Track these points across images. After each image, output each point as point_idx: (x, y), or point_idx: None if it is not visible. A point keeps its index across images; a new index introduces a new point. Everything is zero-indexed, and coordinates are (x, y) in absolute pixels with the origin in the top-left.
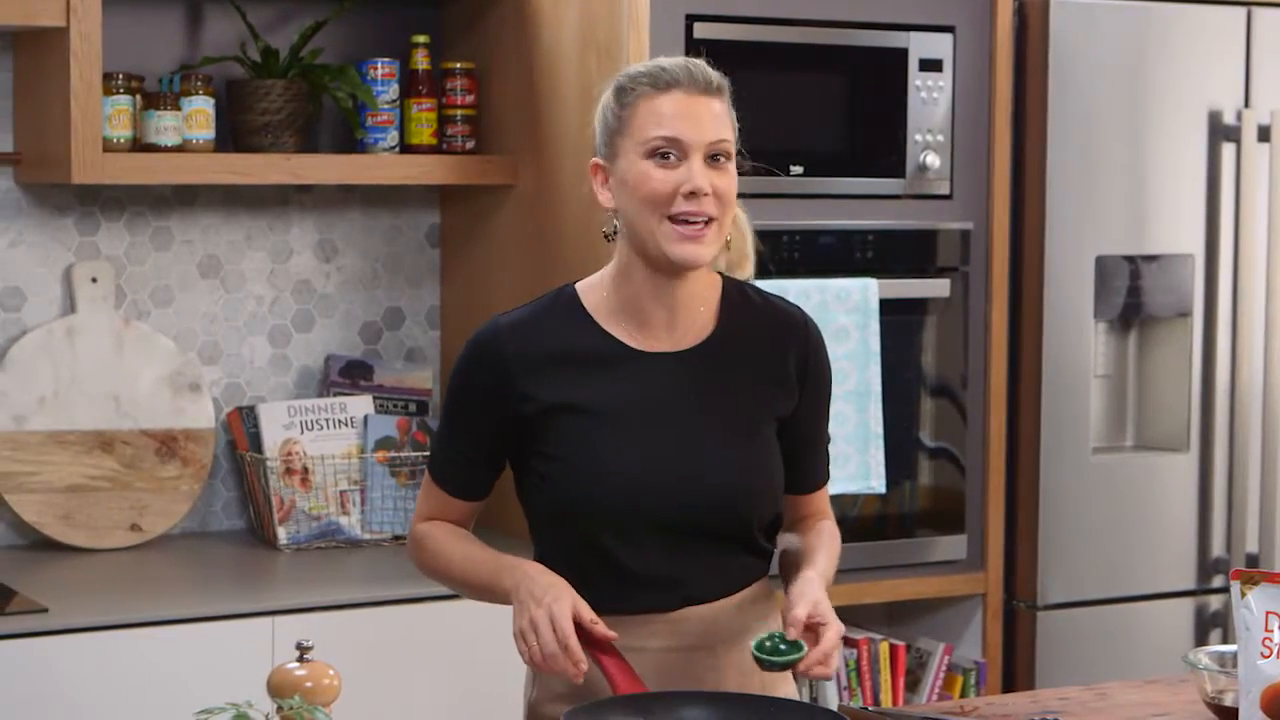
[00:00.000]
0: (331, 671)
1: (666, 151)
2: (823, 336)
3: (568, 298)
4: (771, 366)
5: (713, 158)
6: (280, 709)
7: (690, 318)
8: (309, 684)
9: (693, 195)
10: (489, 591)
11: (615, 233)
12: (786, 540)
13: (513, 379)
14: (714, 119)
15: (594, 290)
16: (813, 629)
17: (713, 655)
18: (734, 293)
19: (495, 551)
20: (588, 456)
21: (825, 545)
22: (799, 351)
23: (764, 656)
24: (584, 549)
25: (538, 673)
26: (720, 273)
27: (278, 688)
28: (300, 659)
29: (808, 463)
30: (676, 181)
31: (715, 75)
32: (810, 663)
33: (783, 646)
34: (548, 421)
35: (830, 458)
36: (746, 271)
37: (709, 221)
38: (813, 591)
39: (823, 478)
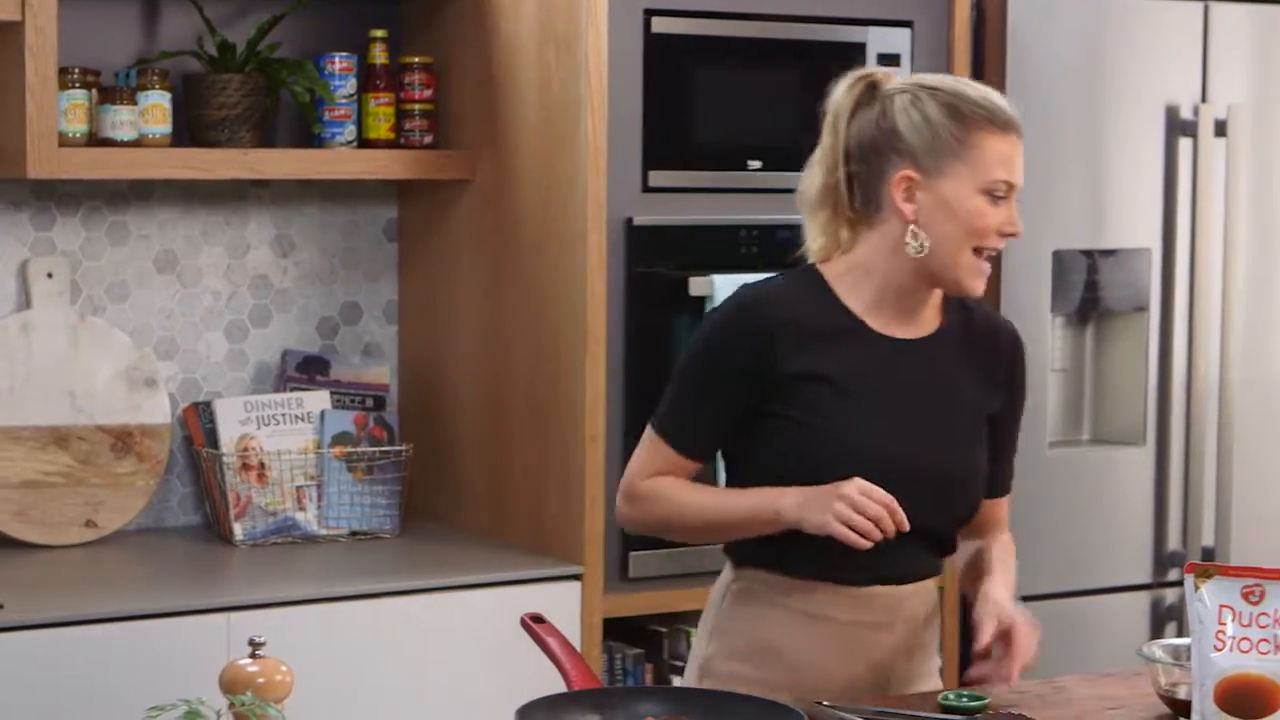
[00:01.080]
0: (284, 668)
1: (1001, 193)
2: (1026, 350)
3: (814, 277)
4: (988, 367)
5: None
6: (232, 705)
7: (927, 312)
8: (261, 680)
9: (1011, 236)
10: (749, 520)
11: (922, 249)
12: (967, 548)
13: (774, 345)
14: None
15: (842, 276)
16: (1004, 636)
17: (892, 635)
18: (952, 297)
19: (737, 492)
20: (827, 424)
21: (1006, 555)
22: (1009, 358)
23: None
24: None
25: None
26: None
27: (230, 684)
28: (253, 655)
29: (998, 468)
30: (1001, 221)
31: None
32: (1008, 671)
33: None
34: (794, 386)
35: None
36: None
37: (995, 256)
38: (997, 594)
39: (1008, 486)
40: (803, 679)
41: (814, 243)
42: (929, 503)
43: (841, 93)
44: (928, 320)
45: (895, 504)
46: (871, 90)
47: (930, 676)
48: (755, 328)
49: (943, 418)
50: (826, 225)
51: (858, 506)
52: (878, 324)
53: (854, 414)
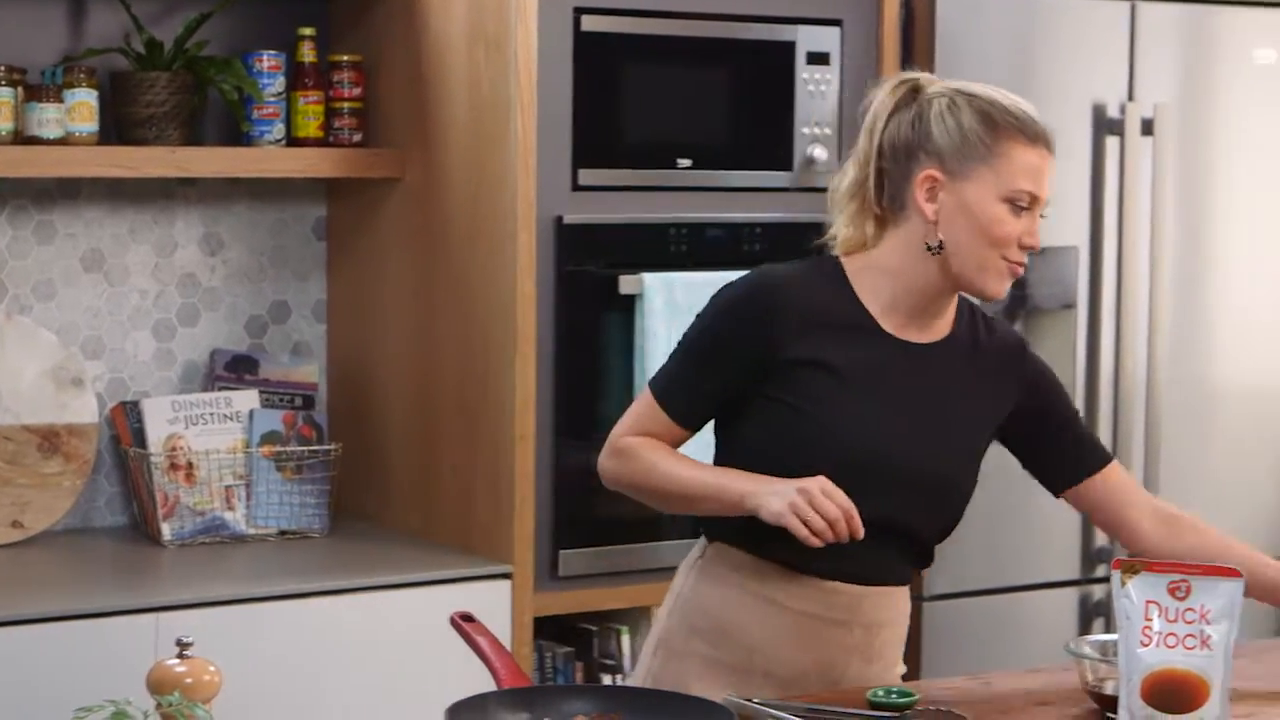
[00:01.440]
0: (212, 668)
1: (1024, 203)
2: (1037, 357)
3: (832, 267)
4: (989, 383)
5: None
6: (160, 706)
7: (939, 320)
8: (189, 680)
9: (1031, 248)
10: (713, 497)
11: (941, 248)
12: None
13: (778, 328)
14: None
15: (861, 271)
16: None
17: (848, 634)
18: (964, 305)
19: (715, 470)
20: (821, 412)
21: (1250, 552)
22: (1021, 365)
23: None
24: None
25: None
26: None
27: (157, 684)
28: (180, 655)
29: (1075, 443)
30: (1021, 231)
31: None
32: None
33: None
34: (795, 372)
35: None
36: None
37: (1022, 266)
38: None
39: (1102, 456)
40: (754, 662)
41: (840, 232)
42: (912, 505)
43: (884, 94)
44: (939, 327)
45: (854, 510)
46: (913, 93)
47: (892, 678)
48: (767, 310)
49: (938, 424)
50: (854, 218)
51: (816, 504)
52: (889, 324)
53: (849, 407)
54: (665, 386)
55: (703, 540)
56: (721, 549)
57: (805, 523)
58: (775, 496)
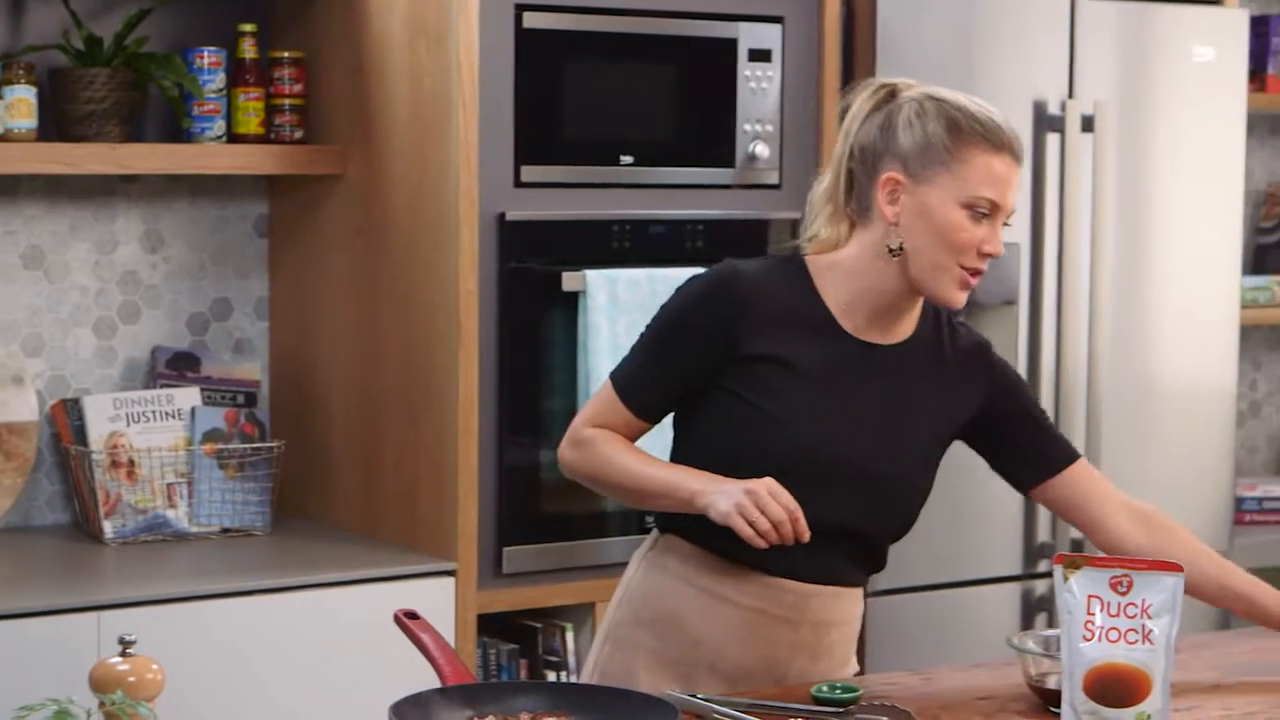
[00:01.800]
0: (155, 666)
1: (984, 211)
2: (1000, 358)
3: (797, 267)
4: (951, 383)
5: (1005, 222)
6: (102, 704)
7: (900, 323)
8: (131, 679)
9: (989, 256)
10: (665, 494)
11: (900, 250)
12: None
13: (739, 322)
14: (1016, 190)
15: (825, 270)
16: None
17: (794, 631)
18: (929, 308)
19: (670, 466)
20: (776, 409)
21: (1222, 562)
22: (985, 366)
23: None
24: None
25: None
26: None
27: (100, 683)
28: (123, 653)
29: (1041, 440)
30: (980, 239)
31: (1020, 143)
32: None
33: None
34: (752, 367)
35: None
36: None
37: (979, 274)
38: None
39: (1068, 454)
40: (700, 656)
41: (820, 234)
42: (863, 506)
43: (861, 98)
44: (901, 330)
45: (799, 512)
46: (889, 98)
47: (843, 678)
48: (730, 303)
49: (894, 426)
50: (830, 220)
51: (762, 505)
52: (849, 324)
53: (804, 405)
54: (626, 379)
55: (655, 531)
56: (672, 541)
57: (751, 524)
58: (723, 496)
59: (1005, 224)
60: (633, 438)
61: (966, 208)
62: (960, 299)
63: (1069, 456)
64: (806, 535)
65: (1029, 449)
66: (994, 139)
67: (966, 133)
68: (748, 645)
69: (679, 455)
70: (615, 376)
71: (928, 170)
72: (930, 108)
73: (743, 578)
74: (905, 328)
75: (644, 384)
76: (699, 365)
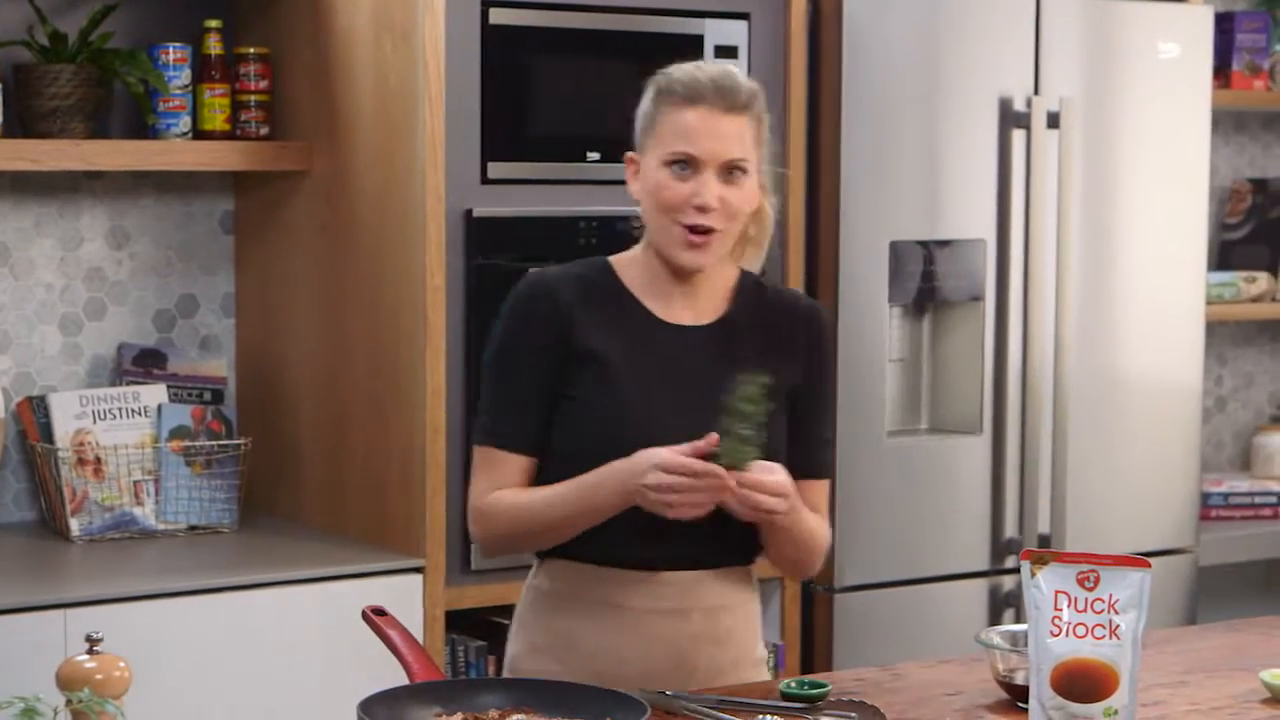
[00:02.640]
0: (122, 664)
1: (683, 164)
2: (830, 326)
3: (601, 266)
4: (781, 348)
5: (730, 172)
6: (70, 702)
7: (709, 298)
8: (99, 676)
9: (701, 209)
10: (588, 512)
11: (642, 226)
12: None
13: (561, 320)
14: (734, 138)
15: (626, 264)
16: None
17: (689, 623)
18: (749, 281)
19: (577, 478)
20: (607, 401)
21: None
22: (806, 330)
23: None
24: None
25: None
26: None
27: (67, 680)
28: (90, 651)
29: (805, 448)
30: (689, 193)
31: (746, 91)
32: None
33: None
34: (578, 366)
35: (828, 460)
36: (757, 263)
37: (712, 231)
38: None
39: (815, 469)
40: (599, 668)
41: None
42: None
43: None
44: (711, 307)
45: (699, 467)
46: None
47: (751, 669)
48: (546, 308)
49: (721, 405)
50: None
51: (665, 489)
52: (657, 308)
53: (633, 394)
54: (493, 426)
55: (536, 560)
56: (554, 564)
57: (675, 500)
58: (641, 497)
59: (732, 174)
60: (527, 479)
61: (667, 165)
62: (692, 259)
63: (809, 472)
64: (730, 480)
65: (795, 440)
66: (688, 93)
67: (664, 94)
68: (648, 646)
69: (541, 479)
70: (480, 435)
71: (644, 141)
72: (649, 83)
73: (627, 581)
74: (713, 305)
75: (509, 417)
76: (543, 374)
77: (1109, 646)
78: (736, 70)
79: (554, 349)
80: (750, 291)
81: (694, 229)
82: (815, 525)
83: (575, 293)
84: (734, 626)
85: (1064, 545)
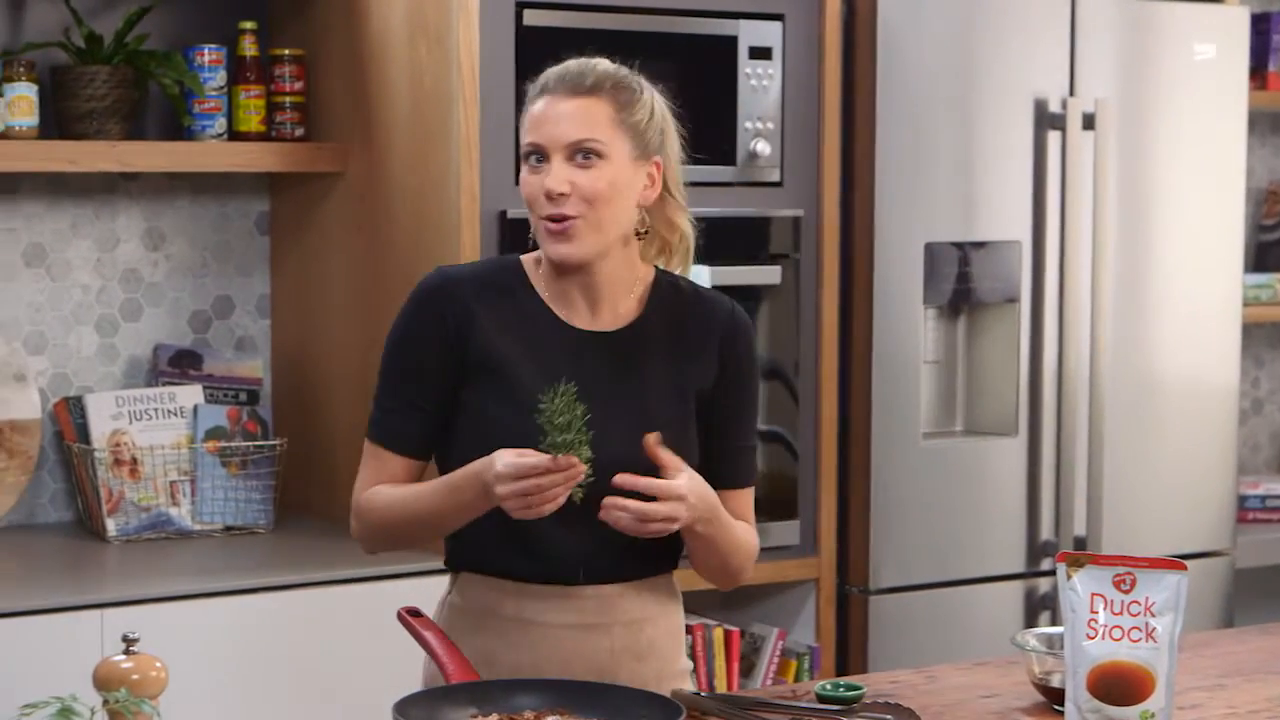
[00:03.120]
0: (158, 664)
1: (535, 156)
2: (751, 329)
3: (513, 265)
4: (692, 350)
5: (582, 155)
6: (106, 702)
7: (612, 302)
8: (135, 676)
9: (550, 197)
10: (456, 509)
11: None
12: None
13: (459, 322)
14: (578, 119)
15: (535, 263)
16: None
17: (609, 637)
18: (664, 283)
19: (443, 476)
20: (503, 414)
21: (733, 522)
22: (720, 335)
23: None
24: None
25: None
26: (656, 266)
27: (103, 680)
28: (126, 651)
29: (724, 457)
30: (540, 185)
31: (595, 75)
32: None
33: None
34: (475, 371)
35: (754, 467)
36: (683, 268)
37: (570, 219)
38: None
39: (736, 477)
40: None
41: None
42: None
43: None
44: (620, 312)
45: (539, 462)
46: None
47: (673, 681)
48: (440, 303)
49: (633, 414)
50: None
51: (511, 497)
52: (564, 312)
53: (529, 407)
54: (379, 424)
55: (450, 575)
56: (469, 579)
57: (532, 502)
58: (493, 498)
59: (585, 156)
60: (413, 480)
61: (525, 160)
62: (555, 250)
63: (731, 481)
64: (580, 465)
65: (718, 450)
66: (540, 86)
67: (529, 95)
68: (567, 663)
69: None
70: (370, 431)
71: (521, 139)
72: None
73: (545, 596)
74: (626, 310)
75: (397, 416)
76: (437, 371)
77: (1145, 649)
78: (603, 61)
79: (447, 350)
80: (665, 293)
81: (551, 219)
82: (742, 534)
83: (475, 291)
84: (655, 638)
85: (1100, 548)
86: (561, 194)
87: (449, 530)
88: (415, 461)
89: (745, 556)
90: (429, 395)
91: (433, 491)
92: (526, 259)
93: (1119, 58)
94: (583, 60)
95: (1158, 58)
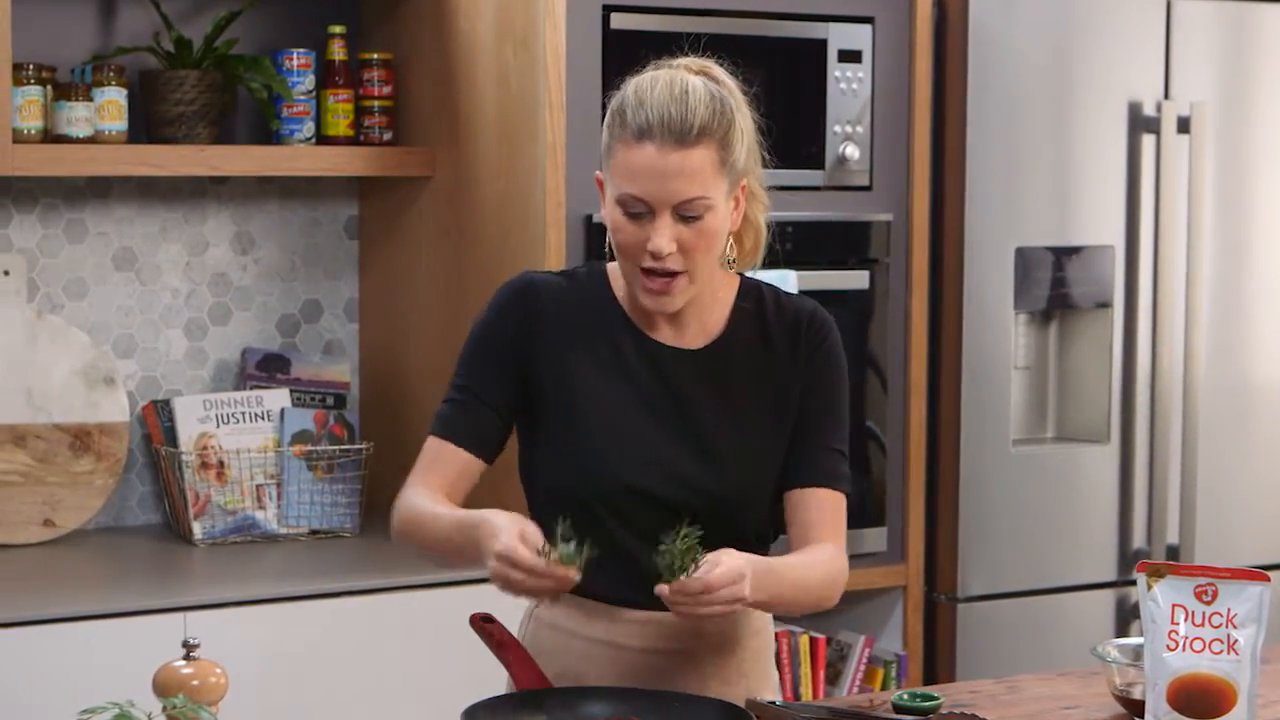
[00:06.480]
0: (218, 670)
1: (635, 208)
2: (834, 330)
3: (598, 275)
4: (779, 358)
5: (689, 210)
6: (165, 708)
7: (697, 320)
8: (195, 682)
9: (655, 255)
10: (469, 544)
11: (611, 253)
12: None
13: (540, 329)
14: (687, 176)
15: (618, 275)
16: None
17: (695, 661)
18: (750, 293)
19: (463, 511)
20: (587, 432)
21: (801, 556)
22: (807, 340)
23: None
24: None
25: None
26: (740, 273)
27: (163, 686)
28: (186, 657)
29: (805, 456)
30: (643, 238)
31: (698, 119)
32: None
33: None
34: (556, 387)
35: (841, 471)
36: (753, 264)
37: (674, 275)
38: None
39: (823, 478)
40: None
41: None
42: (703, 510)
43: None
44: (705, 329)
45: (539, 567)
46: None
47: (764, 696)
48: (523, 307)
49: (714, 435)
50: None
51: (503, 578)
52: (651, 330)
53: (612, 424)
54: (445, 416)
55: None
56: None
57: (513, 590)
58: (484, 553)
59: (691, 212)
60: (468, 479)
61: (619, 206)
62: (654, 303)
63: (814, 480)
64: (573, 575)
65: (797, 449)
66: (634, 127)
67: (615, 125)
68: (655, 687)
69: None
70: (434, 425)
71: (605, 164)
72: (612, 99)
73: (631, 620)
74: (712, 325)
75: (466, 410)
76: (512, 375)
77: (1227, 662)
78: (691, 90)
79: (521, 351)
80: (751, 304)
81: (651, 273)
82: (809, 571)
83: (557, 298)
84: (744, 660)
85: (1193, 557)
86: (670, 254)
87: (465, 562)
88: (473, 459)
89: (821, 588)
90: (494, 394)
91: (450, 519)
92: (612, 268)
93: (1214, 60)
94: (672, 93)
95: (1254, 60)
